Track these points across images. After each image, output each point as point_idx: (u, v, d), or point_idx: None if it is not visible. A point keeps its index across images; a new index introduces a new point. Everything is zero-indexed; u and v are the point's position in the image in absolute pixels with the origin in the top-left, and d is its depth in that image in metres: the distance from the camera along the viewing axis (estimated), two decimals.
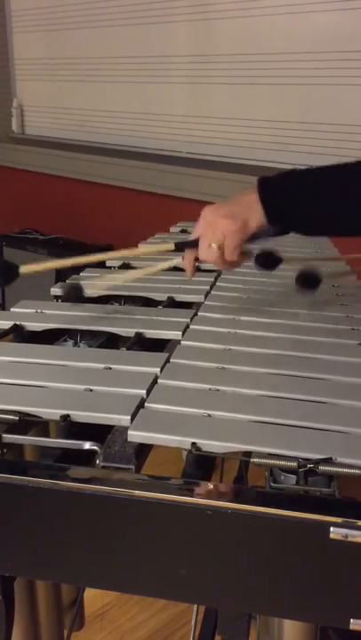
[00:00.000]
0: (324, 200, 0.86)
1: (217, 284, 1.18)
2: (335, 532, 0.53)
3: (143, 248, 1.15)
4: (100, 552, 0.59)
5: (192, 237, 0.91)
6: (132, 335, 0.92)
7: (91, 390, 0.74)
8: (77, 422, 0.68)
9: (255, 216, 0.85)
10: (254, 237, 0.88)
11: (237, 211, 0.86)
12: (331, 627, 0.67)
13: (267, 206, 0.85)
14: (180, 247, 0.95)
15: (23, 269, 0.94)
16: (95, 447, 0.64)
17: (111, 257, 1.14)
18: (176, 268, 1.30)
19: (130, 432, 0.65)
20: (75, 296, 1.02)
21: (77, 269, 1.25)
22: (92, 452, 0.64)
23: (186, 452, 0.64)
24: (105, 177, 2.86)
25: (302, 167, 0.91)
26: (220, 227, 0.86)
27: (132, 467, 0.62)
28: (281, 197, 0.87)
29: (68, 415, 0.67)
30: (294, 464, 0.60)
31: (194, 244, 0.90)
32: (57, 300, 1.11)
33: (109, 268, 1.32)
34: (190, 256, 0.94)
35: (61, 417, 0.67)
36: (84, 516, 0.59)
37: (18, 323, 0.95)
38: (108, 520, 0.58)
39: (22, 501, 0.60)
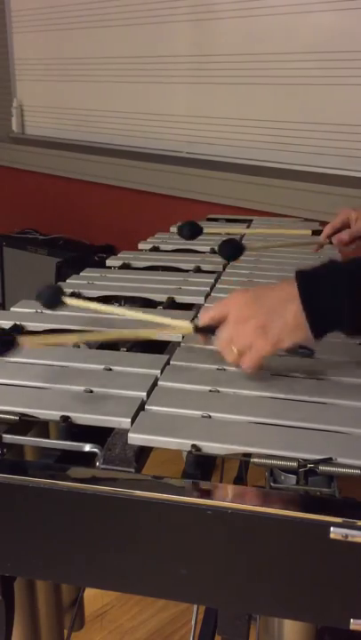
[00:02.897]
0: None
1: (217, 285, 1.18)
2: (335, 532, 0.53)
3: (157, 331, 0.90)
4: (100, 552, 0.60)
5: (210, 317, 0.80)
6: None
7: (91, 392, 0.74)
8: (77, 424, 0.68)
9: (294, 336, 0.73)
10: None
11: (273, 323, 0.73)
12: (328, 631, 0.67)
13: (314, 322, 0.72)
14: (200, 331, 0.84)
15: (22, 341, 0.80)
16: (95, 449, 0.64)
17: (128, 337, 0.93)
18: (176, 269, 1.31)
19: (130, 435, 0.65)
20: (53, 299, 0.93)
21: (78, 269, 1.25)
22: (92, 455, 0.64)
23: (186, 453, 0.64)
24: (105, 177, 2.86)
25: (339, 263, 0.77)
26: (248, 338, 0.74)
27: (132, 470, 0.62)
28: (332, 303, 0.72)
29: (68, 417, 0.67)
30: (294, 464, 0.60)
31: (212, 328, 0.80)
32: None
33: (109, 268, 1.32)
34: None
35: (61, 418, 0.67)
36: (84, 515, 0.59)
37: (18, 323, 0.95)
38: (108, 520, 0.58)
39: (22, 501, 0.60)
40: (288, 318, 0.72)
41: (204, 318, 0.81)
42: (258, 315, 0.74)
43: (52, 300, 0.92)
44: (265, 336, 0.73)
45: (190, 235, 1.37)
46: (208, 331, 0.80)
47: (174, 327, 0.88)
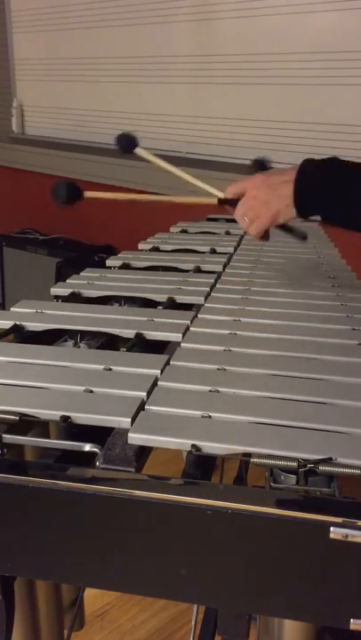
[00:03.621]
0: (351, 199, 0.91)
1: (217, 285, 1.18)
2: (335, 532, 0.53)
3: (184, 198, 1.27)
4: (100, 552, 0.60)
5: (231, 193, 1.03)
6: (133, 336, 0.92)
7: (91, 391, 0.74)
8: (77, 423, 0.68)
9: (287, 213, 0.94)
10: (285, 227, 1.01)
11: (274, 199, 0.94)
12: (328, 631, 0.67)
13: (299, 205, 0.93)
14: (222, 202, 1.06)
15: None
16: (95, 449, 0.64)
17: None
18: (176, 269, 1.31)
19: (130, 435, 0.65)
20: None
21: (78, 269, 1.25)
22: (91, 454, 0.64)
23: (186, 453, 0.64)
24: (105, 177, 2.86)
25: (343, 159, 0.95)
26: (257, 207, 0.96)
27: (132, 469, 0.62)
28: (315, 194, 0.93)
29: (68, 416, 0.67)
30: (294, 464, 0.60)
31: (234, 202, 1.02)
32: (57, 300, 1.12)
33: (109, 268, 1.32)
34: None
35: (61, 418, 0.67)
36: (84, 515, 0.59)
37: (18, 323, 0.95)
38: (108, 520, 0.58)
39: (22, 501, 0.60)
40: (285, 197, 0.93)
41: (228, 192, 1.04)
42: (265, 192, 0.96)
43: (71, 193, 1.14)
44: (268, 209, 0.95)
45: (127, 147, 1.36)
46: (229, 203, 1.04)
47: (206, 192, 1.12)
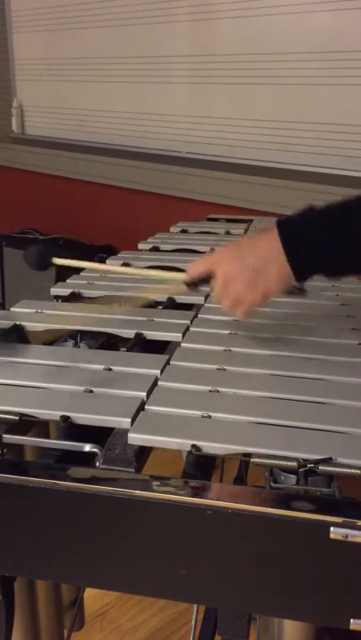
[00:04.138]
0: (353, 243, 0.79)
1: None
2: (335, 532, 0.53)
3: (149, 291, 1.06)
4: (100, 552, 0.60)
5: (197, 272, 0.86)
6: (133, 336, 0.92)
7: (91, 392, 0.74)
8: (77, 424, 0.68)
9: (280, 285, 0.81)
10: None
11: (258, 281, 0.80)
12: (328, 631, 0.67)
13: (298, 273, 0.79)
14: (190, 285, 0.90)
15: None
16: (95, 450, 0.64)
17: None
18: (176, 269, 1.31)
19: (130, 435, 0.65)
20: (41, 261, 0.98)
21: (78, 269, 1.25)
22: (91, 455, 0.64)
23: (186, 453, 0.64)
24: (105, 177, 2.86)
25: (318, 205, 0.82)
26: (237, 292, 0.81)
27: (132, 470, 0.62)
28: (313, 254, 0.79)
29: (68, 417, 0.67)
30: (294, 464, 0.60)
31: (199, 282, 0.88)
32: (57, 300, 1.12)
33: None
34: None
35: (61, 418, 0.67)
36: (84, 515, 0.59)
37: (18, 323, 0.95)
38: (108, 520, 0.58)
39: (22, 501, 0.60)
40: (273, 273, 0.79)
41: (191, 274, 0.88)
42: (244, 274, 0.81)
43: (41, 261, 0.98)
44: (254, 291, 0.81)
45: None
46: (196, 284, 0.89)
47: (171, 280, 0.97)
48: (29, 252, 0.96)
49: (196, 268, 0.87)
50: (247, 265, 0.81)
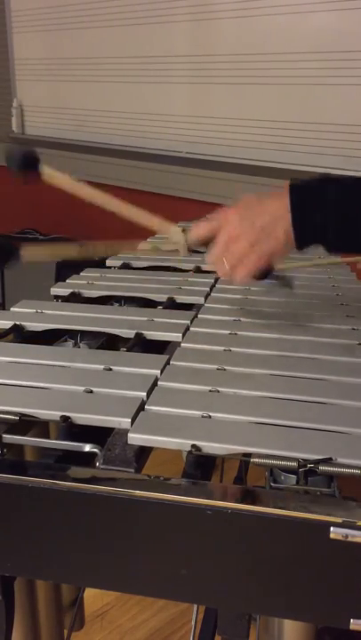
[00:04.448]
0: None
1: (217, 285, 1.18)
2: (335, 532, 0.53)
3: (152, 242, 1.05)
4: (100, 552, 0.60)
5: (204, 231, 0.84)
6: (132, 336, 0.92)
7: (91, 392, 0.74)
8: (77, 424, 0.68)
9: (282, 252, 0.79)
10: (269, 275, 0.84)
11: (264, 240, 0.77)
12: (328, 631, 0.67)
13: (300, 237, 0.77)
14: (190, 247, 0.88)
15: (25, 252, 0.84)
16: (95, 450, 0.64)
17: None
18: (176, 269, 1.31)
19: (130, 435, 0.65)
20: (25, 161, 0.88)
21: (78, 269, 1.25)
22: (91, 455, 0.64)
23: (186, 453, 0.64)
24: (105, 177, 2.86)
25: (333, 175, 0.82)
26: (240, 251, 0.79)
27: (132, 470, 0.62)
28: (319, 221, 0.77)
29: (68, 417, 0.67)
30: (294, 464, 0.60)
31: (204, 243, 0.85)
32: (57, 300, 1.12)
33: (109, 268, 1.32)
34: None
35: (61, 418, 0.67)
36: (84, 515, 0.59)
37: (18, 323, 0.95)
38: (108, 520, 0.58)
39: (22, 501, 0.60)
40: (280, 233, 0.77)
41: (196, 234, 0.84)
42: (249, 233, 0.78)
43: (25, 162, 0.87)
44: (256, 252, 0.78)
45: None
46: (200, 244, 0.84)
47: (166, 232, 0.92)
48: (14, 153, 0.88)
49: (199, 230, 0.84)
50: (254, 224, 0.78)
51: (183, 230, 0.89)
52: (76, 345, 0.93)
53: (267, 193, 0.86)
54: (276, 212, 0.78)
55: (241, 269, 0.80)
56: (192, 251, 0.87)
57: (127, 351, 0.89)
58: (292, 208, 0.77)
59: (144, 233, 1.59)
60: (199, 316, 1.01)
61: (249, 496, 0.57)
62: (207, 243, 0.83)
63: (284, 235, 0.77)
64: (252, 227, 0.78)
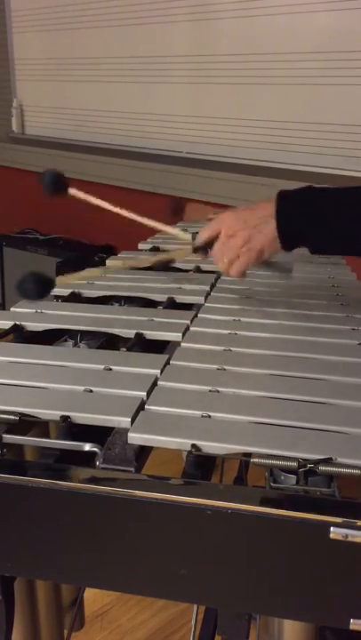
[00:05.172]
0: (344, 226, 0.88)
1: (217, 285, 1.18)
2: (335, 532, 0.53)
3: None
4: (100, 552, 0.60)
5: (206, 235, 0.95)
6: (133, 336, 0.92)
7: (91, 391, 0.74)
8: (77, 423, 0.68)
9: (271, 248, 0.90)
10: (268, 263, 0.97)
11: (256, 237, 0.89)
12: (329, 627, 0.67)
13: (284, 240, 0.89)
14: (197, 250, 0.98)
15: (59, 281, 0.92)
16: (95, 449, 0.64)
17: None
18: (176, 269, 1.31)
19: (130, 434, 0.65)
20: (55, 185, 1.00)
21: (78, 269, 1.25)
22: (91, 454, 0.64)
23: (186, 453, 0.64)
24: (105, 177, 2.86)
25: (317, 186, 0.92)
26: (236, 247, 0.91)
27: (132, 469, 0.62)
28: (299, 227, 0.88)
29: (68, 416, 0.67)
30: (294, 464, 0.60)
31: (209, 244, 0.96)
32: (57, 300, 1.12)
33: (109, 268, 1.32)
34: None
35: (61, 418, 0.67)
36: (84, 515, 0.59)
37: (18, 323, 0.95)
38: (108, 520, 0.58)
39: (22, 501, 0.60)
40: (267, 233, 0.88)
41: (201, 237, 0.96)
42: (243, 229, 0.90)
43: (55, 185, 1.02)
44: (249, 247, 0.90)
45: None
46: (205, 248, 0.96)
47: (178, 239, 1.05)
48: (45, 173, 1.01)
49: (204, 233, 0.95)
50: (247, 223, 0.90)
51: (193, 239, 1.00)
52: (76, 345, 0.93)
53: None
54: (265, 213, 0.89)
55: (237, 264, 0.92)
56: (202, 253, 0.98)
57: (127, 351, 0.89)
58: (277, 216, 0.88)
59: (144, 233, 1.60)
60: (199, 315, 1.01)
61: (249, 496, 0.57)
62: (211, 243, 0.95)
63: (272, 233, 0.89)
64: (246, 224, 0.90)
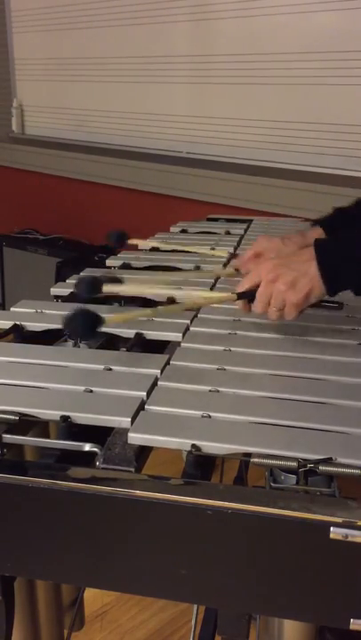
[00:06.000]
0: None
1: (217, 285, 1.18)
2: (335, 532, 0.53)
3: (203, 294, 1.08)
4: (100, 552, 0.60)
5: (247, 284, 0.91)
6: (132, 336, 0.92)
7: (91, 391, 0.74)
8: (77, 423, 0.68)
9: (317, 291, 0.86)
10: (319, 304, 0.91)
11: (300, 281, 0.85)
12: (329, 627, 0.67)
13: (328, 284, 0.85)
14: (241, 297, 0.93)
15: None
16: (95, 449, 0.64)
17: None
18: (176, 269, 1.31)
19: (130, 435, 0.65)
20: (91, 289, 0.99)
21: (78, 269, 1.25)
22: (91, 454, 0.64)
23: (186, 453, 0.64)
24: (105, 177, 2.86)
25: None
26: (281, 294, 0.86)
27: (132, 469, 0.62)
28: (342, 272, 0.86)
29: (68, 416, 0.67)
30: (294, 464, 0.60)
31: (252, 294, 0.91)
32: (57, 300, 1.11)
33: (109, 267, 1.32)
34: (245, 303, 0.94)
35: (61, 418, 0.67)
36: (84, 516, 0.59)
37: (18, 323, 0.95)
38: (108, 520, 0.58)
39: (22, 501, 0.60)
40: (312, 274, 0.85)
41: (242, 287, 0.92)
42: (286, 273, 0.86)
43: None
44: (296, 293, 0.85)
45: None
46: (247, 296, 0.91)
47: (220, 299, 1.00)
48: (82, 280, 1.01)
49: (244, 284, 0.91)
50: (289, 267, 0.86)
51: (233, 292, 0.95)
52: (76, 345, 0.93)
53: (288, 236, 1.06)
54: (302, 256, 0.87)
55: (289, 310, 0.86)
56: (240, 298, 0.93)
57: (127, 351, 0.89)
58: (320, 267, 0.85)
59: (144, 233, 1.59)
60: (199, 315, 1.01)
61: (249, 496, 0.57)
62: (254, 291, 0.89)
63: (315, 274, 0.85)
64: (285, 269, 0.86)
